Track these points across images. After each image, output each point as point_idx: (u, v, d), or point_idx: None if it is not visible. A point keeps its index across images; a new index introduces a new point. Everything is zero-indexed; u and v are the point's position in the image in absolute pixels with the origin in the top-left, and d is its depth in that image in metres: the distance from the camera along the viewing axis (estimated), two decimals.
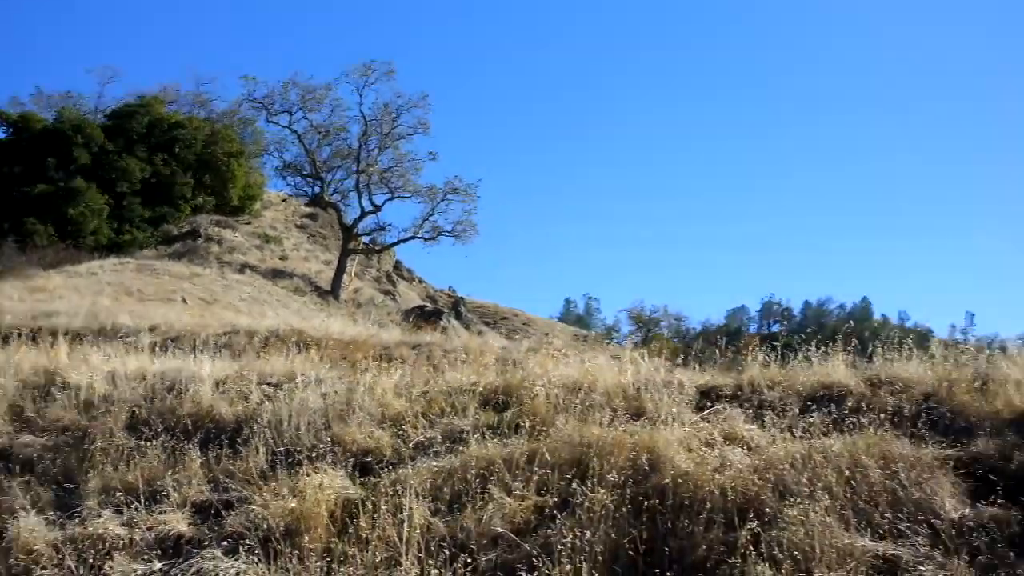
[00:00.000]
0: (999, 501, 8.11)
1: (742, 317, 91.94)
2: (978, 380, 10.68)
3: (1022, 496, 8.15)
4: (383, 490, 9.21)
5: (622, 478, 8.93)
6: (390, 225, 49.38)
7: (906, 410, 10.19)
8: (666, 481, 8.84)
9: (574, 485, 8.92)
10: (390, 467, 10.01)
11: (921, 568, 7.37)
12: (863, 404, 10.40)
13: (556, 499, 8.94)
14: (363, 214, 48.06)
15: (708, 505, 8.46)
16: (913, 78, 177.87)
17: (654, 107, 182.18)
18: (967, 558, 7.40)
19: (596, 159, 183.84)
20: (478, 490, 9.20)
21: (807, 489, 8.42)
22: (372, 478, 9.83)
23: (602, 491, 8.65)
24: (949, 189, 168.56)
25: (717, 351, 13.48)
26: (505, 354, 17.00)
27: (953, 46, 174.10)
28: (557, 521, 8.44)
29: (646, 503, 8.56)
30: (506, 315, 58.94)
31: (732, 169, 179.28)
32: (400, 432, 10.94)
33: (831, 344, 12.13)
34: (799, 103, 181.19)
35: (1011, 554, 7.54)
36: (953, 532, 7.80)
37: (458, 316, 46.92)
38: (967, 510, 8.12)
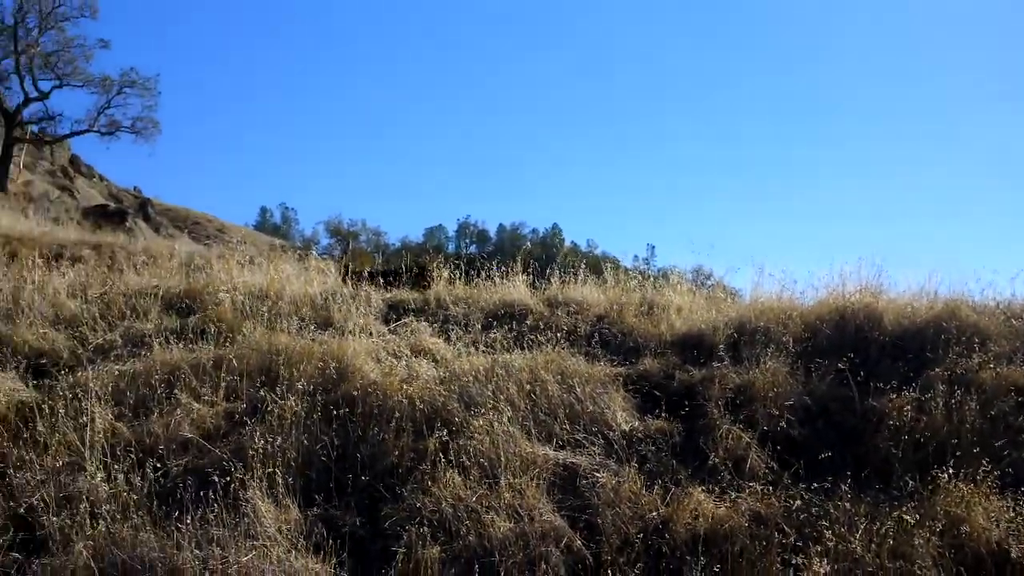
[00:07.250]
0: (663, 415, 8.93)
1: (440, 236, 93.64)
2: (644, 305, 11.63)
3: (682, 410, 9.00)
4: (61, 393, 8.74)
5: (312, 386, 9.00)
6: (61, 115, 44.80)
7: (581, 330, 10.97)
8: (355, 390, 9.01)
9: (263, 392, 8.90)
10: (67, 370, 9.50)
11: (598, 475, 7.97)
12: (542, 323, 11.05)
13: (246, 405, 8.86)
14: (27, 100, 43.23)
15: (397, 414, 8.69)
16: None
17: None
18: (637, 465, 8.09)
19: (291, 67, 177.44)
20: (164, 395, 8.93)
21: (491, 401, 8.86)
22: (48, 381, 9.29)
23: (292, 398, 8.69)
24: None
25: (404, 267, 13.80)
26: (190, 259, 16.48)
27: None
28: (248, 427, 8.38)
29: (336, 411, 8.66)
30: (199, 220, 55.89)
31: (431, 90, 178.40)
32: (77, 334, 10.41)
33: (512, 265, 12.77)
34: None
35: (674, 462, 8.32)
36: (624, 443, 8.52)
37: (146, 218, 44.51)
38: (636, 423, 8.89)
